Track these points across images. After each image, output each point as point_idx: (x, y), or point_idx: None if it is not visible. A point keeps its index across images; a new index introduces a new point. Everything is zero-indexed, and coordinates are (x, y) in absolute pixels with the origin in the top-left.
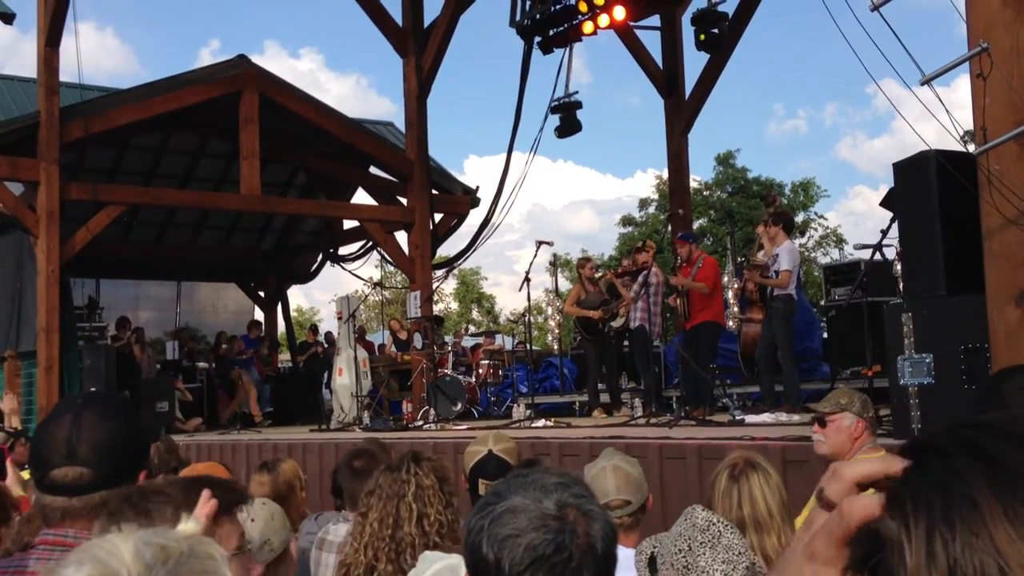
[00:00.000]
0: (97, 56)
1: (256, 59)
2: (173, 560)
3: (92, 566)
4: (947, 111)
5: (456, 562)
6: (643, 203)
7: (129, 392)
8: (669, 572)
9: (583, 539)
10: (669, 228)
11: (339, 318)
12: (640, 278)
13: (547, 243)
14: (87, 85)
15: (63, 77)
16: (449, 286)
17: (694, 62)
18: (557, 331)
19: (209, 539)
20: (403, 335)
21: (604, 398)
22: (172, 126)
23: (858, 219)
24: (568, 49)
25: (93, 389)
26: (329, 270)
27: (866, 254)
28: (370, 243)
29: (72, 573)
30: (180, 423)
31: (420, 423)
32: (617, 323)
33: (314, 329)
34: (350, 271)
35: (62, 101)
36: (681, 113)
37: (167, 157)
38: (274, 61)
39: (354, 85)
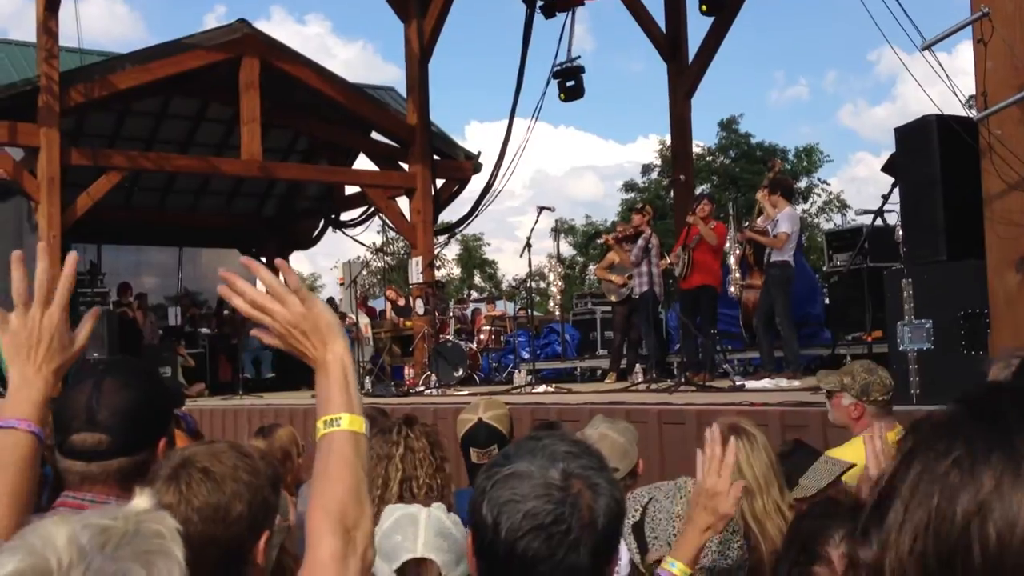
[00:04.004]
0: (106, 23)
1: (262, 25)
2: (113, 543)
3: (23, 556)
4: (948, 77)
5: (415, 511)
6: (646, 169)
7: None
8: (663, 549)
9: (585, 512)
10: (672, 194)
11: (342, 284)
12: (641, 242)
13: (548, 209)
14: (87, 50)
15: (68, 42)
16: (452, 251)
17: (697, 26)
18: (559, 297)
19: (162, 514)
20: (401, 302)
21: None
22: (172, 91)
23: (860, 185)
24: (571, 13)
25: (95, 355)
26: (331, 236)
27: (868, 219)
28: (372, 209)
29: (4, 563)
30: (184, 388)
31: (421, 389)
32: (614, 297)
33: (313, 291)
34: (352, 237)
35: (63, 66)
36: (684, 78)
37: (167, 122)
38: (280, 27)
39: (360, 51)
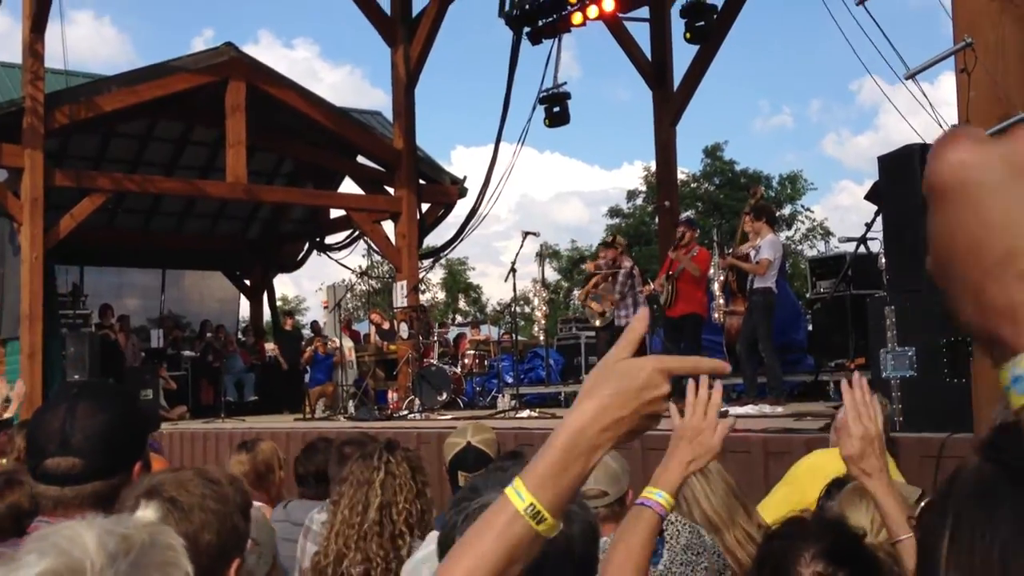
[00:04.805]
0: (94, 44)
1: (250, 48)
2: (135, 551)
3: (55, 557)
4: (931, 105)
5: None
6: (631, 195)
7: (113, 380)
8: None
9: (560, 540)
10: (656, 220)
11: (326, 307)
12: (622, 278)
13: (533, 234)
14: (73, 71)
15: (55, 64)
16: (436, 276)
17: (683, 54)
18: (543, 322)
19: (168, 528)
20: (385, 326)
21: None
22: (158, 113)
23: (843, 213)
24: (557, 40)
25: (76, 377)
26: (316, 259)
27: (851, 247)
28: (357, 232)
29: (34, 562)
30: (165, 411)
31: (405, 413)
32: (599, 322)
33: (290, 314)
34: (337, 260)
35: (48, 87)
36: (669, 105)
37: (153, 144)
38: (268, 51)
39: (347, 75)
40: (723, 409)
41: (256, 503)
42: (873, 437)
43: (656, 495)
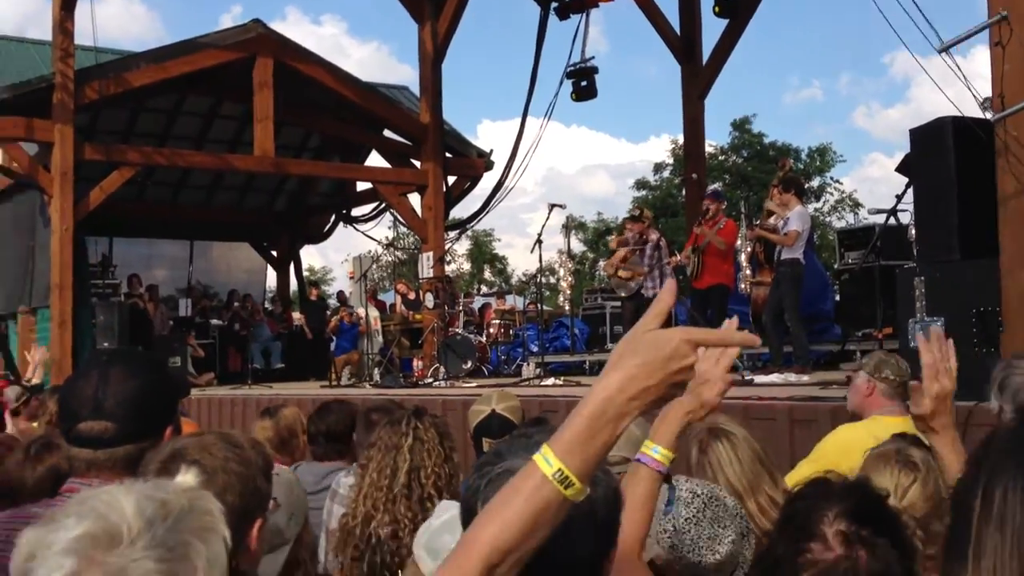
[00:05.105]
0: (124, 22)
1: (278, 25)
2: (173, 516)
3: (93, 520)
4: (964, 79)
5: None
6: (658, 167)
7: (142, 348)
8: (655, 548)
9: (583, 504)
10: (684, 192)
11: (352, 278)
12: (648, 249)
13: (559, 206)
14: (102, 48)
15: (86, 41)
16: (462, 247)
17: (712, 28)
18: (569, 292)
19: (207, 493)
20: (411, 296)
21: None
22: (186, 89)
23: (872, 185)
24: (585, 14)
25: (106, 345)
26: (342, 230)
27: (881, 219)
28: (383, 204)
29: (72, 525)
30: (193, 378)
31: (430, 380)
32: (624, 292)
33: (315, 284)
34: (363, 232)
35: (78, 64)
36: (698, 79)
37: (181, 119)
38: (296, 27)
39: (375, 51)
40: (748, 377)
41: (280, 467)
42: (948, 394)
43: (652, 451)
